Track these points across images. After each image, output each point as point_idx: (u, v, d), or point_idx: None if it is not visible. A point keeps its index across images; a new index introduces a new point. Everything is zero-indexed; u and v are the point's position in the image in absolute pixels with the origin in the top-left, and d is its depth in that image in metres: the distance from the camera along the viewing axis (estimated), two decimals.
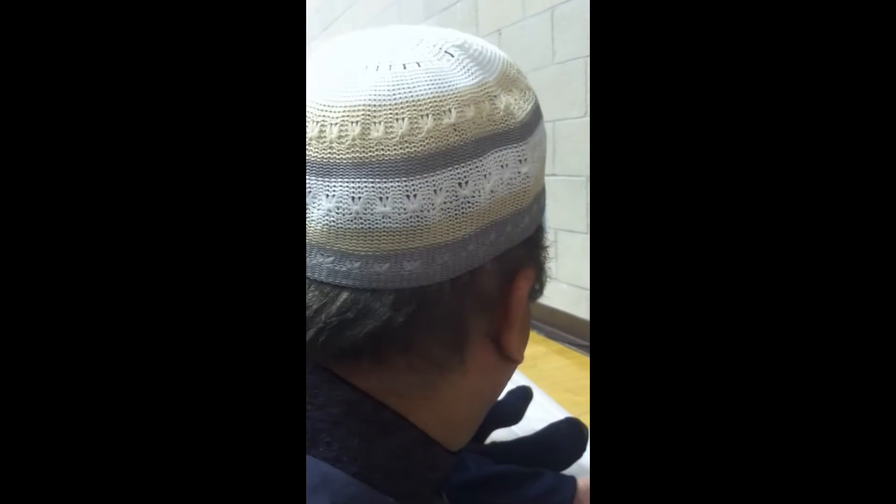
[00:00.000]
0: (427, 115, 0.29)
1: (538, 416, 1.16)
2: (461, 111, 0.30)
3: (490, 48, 0.34)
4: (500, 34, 1.96)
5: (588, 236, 1.56)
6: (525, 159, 0.33)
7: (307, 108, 0.31)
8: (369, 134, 0.29)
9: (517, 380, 1.28)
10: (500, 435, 1.14)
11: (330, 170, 0.30)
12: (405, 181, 0.29)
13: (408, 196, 0.29)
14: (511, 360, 0.37)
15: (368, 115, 0.29)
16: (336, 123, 0.29)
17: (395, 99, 0.29)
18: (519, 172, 0.32)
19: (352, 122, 0.29)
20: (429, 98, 0.30)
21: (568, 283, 1.69)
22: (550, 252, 0.38)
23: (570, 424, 1.06)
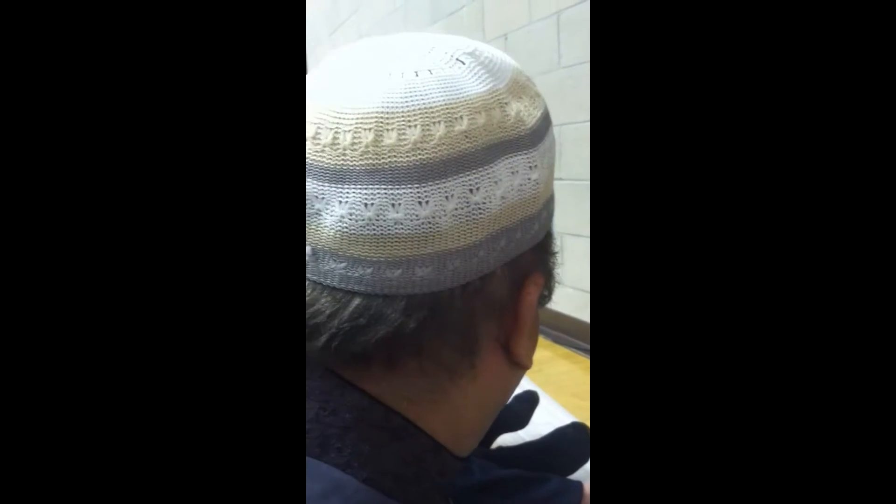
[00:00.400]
0: (439, 122, 0.30)
1: (544, 421, 1.16)
2: (473, 118, 0.30)
3: (500, 55, 0.35)
4: (506, 38, 1.97)
5: None
6: (535, 166, 0.33)
7: (322, 115, 0.31)
8: (382, 141, 0.29)
9: (523, 384, 1.28)
10: (506, 439, 1.14)
11: (343, 176, 0.30)
12: (417, 188, 0.29)
13: (420, 202, 0.29)
14: (520, 366, 0.37)
15: (381, 122, 0.29)
16: (349, 130, 0.30)
17: (407, 106, 0.30)
18: (529, 179, 0.32)
19: (365, 129, 0.30)
20: (441, 105, 0.30)
21: (573, 287, 1.69)
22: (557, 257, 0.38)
23: (576, 429, 1.06)
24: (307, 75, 0.34)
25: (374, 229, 0.30)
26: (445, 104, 0.30)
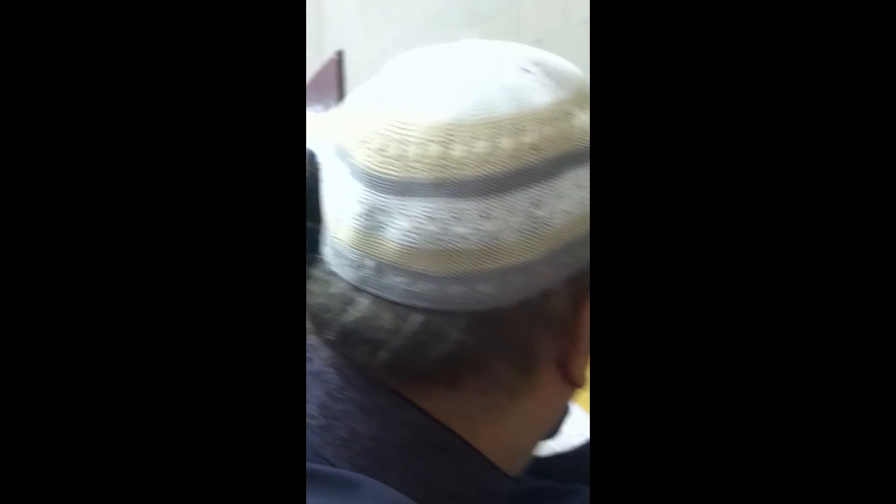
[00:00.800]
0: (507, 134, 0.29)
1: (575, 432, 1.14)
2: (540, 130, 0.29)
3: (565, 64, 0.34)
4: (541, 43, 1.96)
5: None
6: None
7: (388, 127, 0.30)
8: (450, 154, 0.29)
9: None
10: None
11: (408, 189, 0.29)
12: (483, 202, 0.28)
13: (484, 217, 0.29)
14: (575, 385, 0.36)
15: (449, 135, 0.29)
16: (416, 142, 0.29)
17: (475, 118, 0.29)
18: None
19: (432, 142, 0.29)
20: (509, 117, 0.29)
21: None
22: None
23: None
24: (366, 83, 0.34)
25: (438, 244, 0.29)
26: (513, 116, 0.29)
